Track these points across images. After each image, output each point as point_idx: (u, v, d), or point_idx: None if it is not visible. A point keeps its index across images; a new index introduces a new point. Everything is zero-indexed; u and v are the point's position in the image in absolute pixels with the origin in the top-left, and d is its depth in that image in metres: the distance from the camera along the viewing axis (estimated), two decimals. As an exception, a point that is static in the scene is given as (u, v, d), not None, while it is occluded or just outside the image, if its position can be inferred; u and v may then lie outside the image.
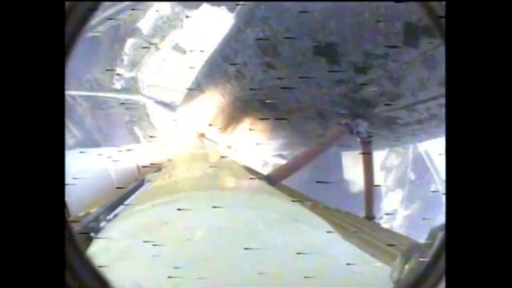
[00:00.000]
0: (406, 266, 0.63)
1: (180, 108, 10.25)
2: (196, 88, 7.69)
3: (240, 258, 0.76)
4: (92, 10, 0.56)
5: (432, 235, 0.61)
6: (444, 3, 0.60)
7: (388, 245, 1.95)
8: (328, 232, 1.34)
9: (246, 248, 0.82)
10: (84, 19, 0.55)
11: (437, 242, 0.59)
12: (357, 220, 3.28)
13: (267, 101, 5.20)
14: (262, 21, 3.98)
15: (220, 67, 5.64)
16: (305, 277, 0.71)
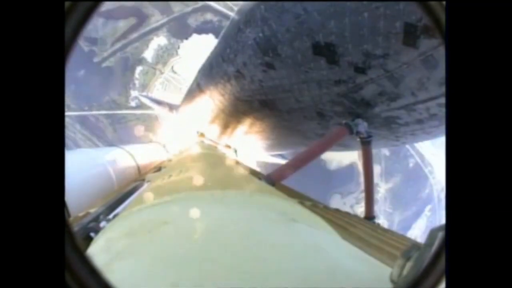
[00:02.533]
0: (406, 266, 0.63)
1: (181, 108, 10.29)
2: (196, 88, 7.70)
3: (240, 258, 0.76)
4: (92, 10, 0.56)
5: (432, 235, 0.61)
6: (444, 3, 0.60)
7: (388, 245, 1.95)
8: (328, 232, 1.34)
9: (245, 248, 0.82)
10: (84, 19, 0.55)
11: (437, 242, 0.59)
12: (357, 220, 3.28)
13: (267, 101, 5.20)
14: (262, 21, 3.99)
15: (220, 67, 5.64)
16: (305, 277, 0.71)
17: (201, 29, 12.71)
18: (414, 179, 15.42)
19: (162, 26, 12.88)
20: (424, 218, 15.89)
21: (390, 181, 15.82)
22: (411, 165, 15.47)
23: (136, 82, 12.94)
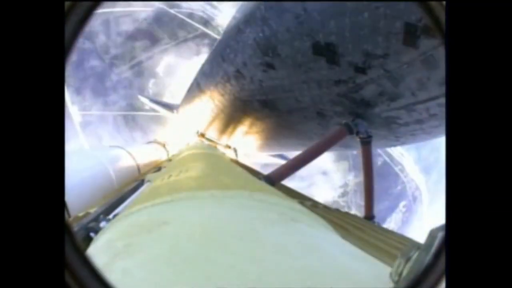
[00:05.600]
0: (406, 266, 0.63)
1: (180, 108, 10.29)
2: (196, 88, 7.70)
3: (239, 258, 0.76)
4: (92, 10, 0.56)
5: (432, 235, 0.61)
6: (444, 3, 0.60)
7: (388, 245, 1.95)
8: (328, 232, 1.34)
9: (245, 248, 0.82)
10: (84, 19, 0.55)
11: (437, 242, 0.59)
12: (357, 220, 3.28)
13: (267, 101, 5.20)
14: (262, 21, 3.98)
15: (220, 67, 5.64)
16: (305, 277, 0.71)
17: (200, 51, 16.71)
18: (383, 176, 16.67)
19: (170, 47, 16.99)
20: (400, 214, 17.28)
21: (358, 176, 17.43)
22: (379, 163, 16.69)
23: (150, 91, 16.90)
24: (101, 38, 15.65)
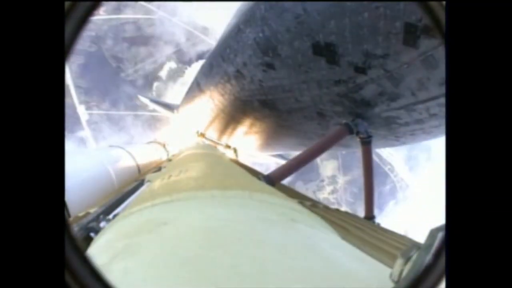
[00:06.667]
0: (406, 266, 0.63)
1: (180, 108, 10.29)
2: (196, 88, 7.69)
3: (239, 258, 0.76)
4: (92, 10, 0.56)
5: (432, 235, 0.61)
6: (444, 3, 0.60)
7: (388, 245, 1.95)
8: (328, 232, 1.34)
9: (245, 248, 0.82)
10: (84, 19, 0.55)
11: (437, 242, 0.59)
12: (357, 220, 3.28)
13: (267, 101, 5.20)
14: (262, 21, 3.98)
15: (220, 67, 5.64)
16: (305, 277, 0.71)
17: (200, 57, 18.95)
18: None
19: (172, 54, 19.12)
20: (390, 212, 18.28)
21: (348, 174, 18.54)
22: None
23: (154, 93, 18.94)
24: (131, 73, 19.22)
